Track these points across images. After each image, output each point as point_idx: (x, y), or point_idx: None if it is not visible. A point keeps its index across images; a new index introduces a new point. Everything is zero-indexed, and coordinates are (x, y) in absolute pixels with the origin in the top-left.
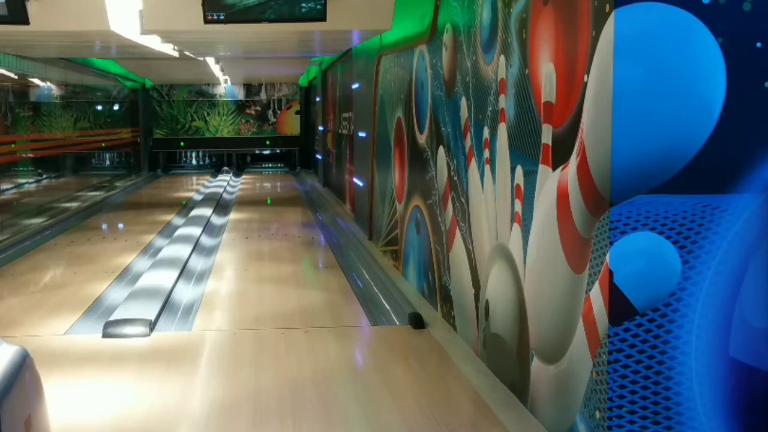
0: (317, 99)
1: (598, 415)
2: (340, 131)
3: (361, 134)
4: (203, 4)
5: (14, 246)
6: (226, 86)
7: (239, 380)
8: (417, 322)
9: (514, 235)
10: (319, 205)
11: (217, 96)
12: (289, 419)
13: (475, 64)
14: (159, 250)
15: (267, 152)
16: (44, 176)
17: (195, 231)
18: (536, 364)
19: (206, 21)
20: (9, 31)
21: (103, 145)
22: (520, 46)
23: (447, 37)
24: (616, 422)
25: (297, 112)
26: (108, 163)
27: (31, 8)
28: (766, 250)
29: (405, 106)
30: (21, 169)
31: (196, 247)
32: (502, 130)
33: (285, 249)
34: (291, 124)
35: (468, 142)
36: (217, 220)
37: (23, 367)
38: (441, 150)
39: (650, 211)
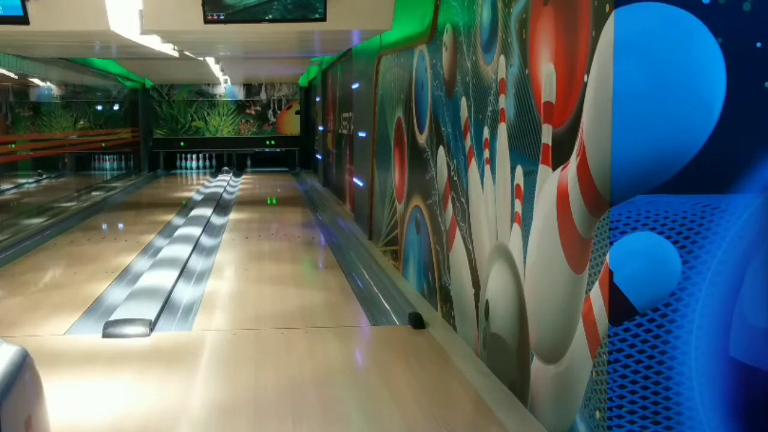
0: (317, 99)
1: (598, 415)
2: (340, 131)
3: (361, 134)
4: (203, 4)
5: (14, 246)
6: (226, 86)
7: (239, 380)
8: (417, 322)
9: (514, 235)
10: (319, 205)
11: (217, 96)
12: (289, 419)
13: (475, 64)
14: (159, 250)
15: (267, 152)
16: (44, 176)
17: (195, 231)
18: (536, 364)
19: (206, 21)
20: (9, 31)
21: (103, 145)
22: (520, 46)
23: (447, 37)
24: (616, 422)
25: (297, 112)
26: (108, 162)
27: (31, 8)
28: (766, 250)
29: (405, 106)
30: (21, 169)
31: (196, 247)
32: (502, 130)
33: (285, 249)
34: (291, 124)
35: (468, 142)
36: (217, 220)
37: (23, 367)
38: (441, 150)
39: (650, 211)
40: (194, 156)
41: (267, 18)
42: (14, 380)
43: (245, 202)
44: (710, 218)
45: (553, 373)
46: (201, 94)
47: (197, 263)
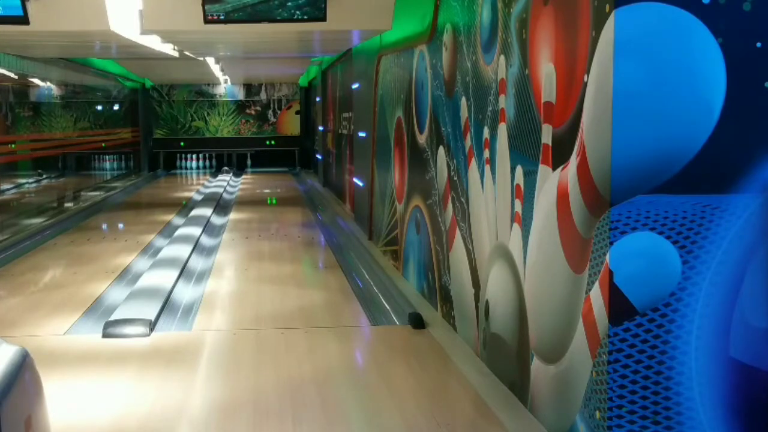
0: (317, 99)
1: (598, 415)
2: (340, 131)
3: (361, 134)
4: (203, 4)
5: (14, 246)
6: (226, 86)
7: (239, 380)
8: (417, 322)
9: (514, 235)
10: (319, 205)
11: (217, 96)
12: (289, 419)
13: (475, 64)
14: (159, 250)
15: (267, 152)
16: (44, 176)
17: (195, 231)
18: (536, 364)
19: (206, 21)
20: (9, 31)
21: (103, 145)
22: (520, 46)
23: (447, 37)
24: (616, 422)
25: (297, 112)
26: (108, 162)
27: (31, 8)
28: (766, 250)
29: (405, 106)
30: (21, 169)
31: (196, 247)
32: (502, 130)
33: (285, 249)
34: (291, 124)
35: (468, 142)
36: (217, 220)
37: (23, 367)
38: (441, 150)
39: (650, 211)
40: (194, 156)
41: (267, 18)
42: (14, 380)
43: (245, 202)
44: (710, 218)
45: (553, 373)
46: (201, 94)
47: (197, 263)
